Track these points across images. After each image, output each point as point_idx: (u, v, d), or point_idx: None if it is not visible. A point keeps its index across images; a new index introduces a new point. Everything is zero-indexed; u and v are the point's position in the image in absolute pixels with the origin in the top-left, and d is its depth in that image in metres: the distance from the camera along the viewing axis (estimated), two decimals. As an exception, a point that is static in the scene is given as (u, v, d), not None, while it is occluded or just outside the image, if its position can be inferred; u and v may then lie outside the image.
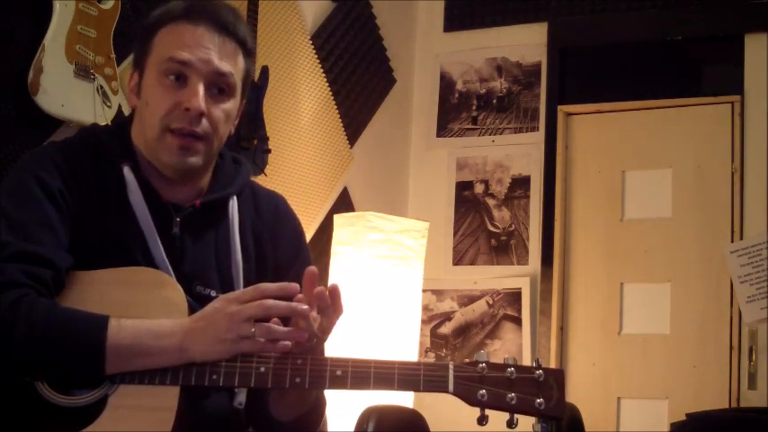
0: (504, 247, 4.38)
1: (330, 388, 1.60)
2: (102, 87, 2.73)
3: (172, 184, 1.76)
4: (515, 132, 4.44)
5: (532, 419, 1.61)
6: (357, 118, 4.24)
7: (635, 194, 4.21)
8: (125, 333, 1.54)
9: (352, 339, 3.31)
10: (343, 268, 3.51)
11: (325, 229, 3.84)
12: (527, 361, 4.00)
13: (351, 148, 4.17)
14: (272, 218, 1.88)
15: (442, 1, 4.65)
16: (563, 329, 4.20)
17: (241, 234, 1.80)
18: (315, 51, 3.94)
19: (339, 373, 1.57)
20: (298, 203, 3.74)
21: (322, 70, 3.98)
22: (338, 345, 3.44)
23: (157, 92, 1.71)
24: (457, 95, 4.60)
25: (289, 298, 1.58)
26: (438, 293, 4.41)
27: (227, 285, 1.75)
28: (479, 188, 4.48)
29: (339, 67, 4.11)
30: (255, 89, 3.35)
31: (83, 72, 2.68)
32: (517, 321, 4.26)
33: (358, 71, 4.23)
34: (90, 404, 1.55)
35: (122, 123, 1.84)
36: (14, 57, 2.60)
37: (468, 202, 4.49)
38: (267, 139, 3.40)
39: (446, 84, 4.63)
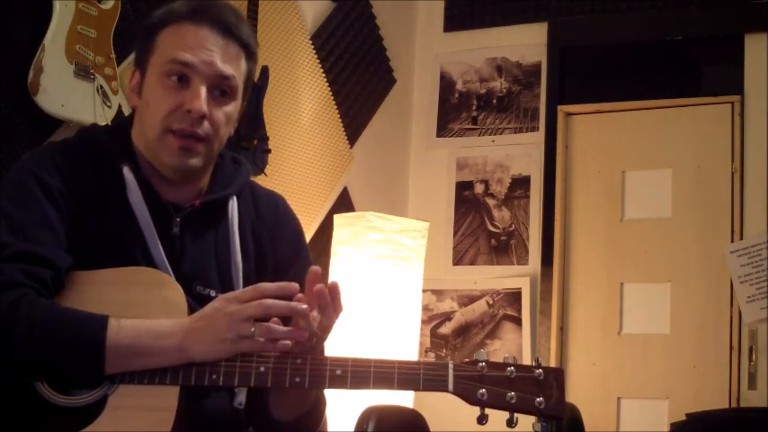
0: (504, 247, 4.38)
1: (330, 387, 1.59)
2: (102, 87, 2.73)
3: (171, 185, 1.75)
4: (515, 132, 4.44)
5: (532, 419, 1.61)
6: (357, 118, 4.24)
7: (635, 194, 4.20)
8: (125, 333, 1.54)
9: (353, 339, 3.32)
10: (343, 268, 3.51)
11: (325, 229, 3.84)
12: (527, 361, 4.00)
13: (351, 148, 4.17)
14: (271, 218, 1.88)
15: (442, 1, 4.65)
16: (563, 329, 4.20)
17: (241, 234, 1.80)
18: (315, 51, 3.94)
19: (339, 372, 1.57)
20: (298, 203, 3.74)
21: (322, 70, 3.98)
22: (338, 344, 3.45)
23: (159, 92, 1.71)
24: (457, 95, 4.60)
25: (288, 298, 1.58)
26: (438, 293, 4.41)
27: (226, 285, 1.75)
28: (479, 188, 4.48)
29: (339, 67, 4.11)
30: (255, 89, 3.35)
31: (83, 72, 2.68)
32: (517, 321, 4.26)
33: (358, 71, 4.24)
34: (90, 404, 1.55)
35: (122, 123, 1.84)
36: (14, 57, 2.60)
37: (468, 202, 4.49)
38: (267, 139, 3.40)
39: (446, 84, 4.63)
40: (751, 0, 4.06)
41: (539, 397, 1.57)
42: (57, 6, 2.62)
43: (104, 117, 2.71)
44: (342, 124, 4.11)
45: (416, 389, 1.59)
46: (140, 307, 1.59)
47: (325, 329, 1.61)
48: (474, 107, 4.56)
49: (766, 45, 4.01)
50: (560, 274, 4.22)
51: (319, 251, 3.76)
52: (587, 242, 4.23)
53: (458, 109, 4.59)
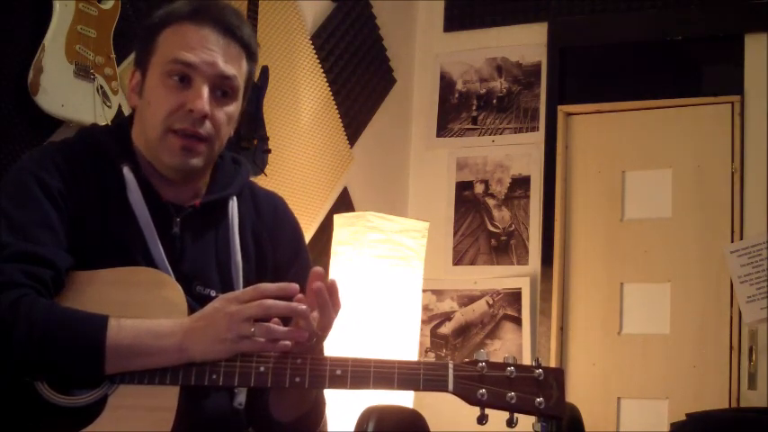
0: (504, 247, 4.38)
1: (330, 387, 1.59)
2: (102, 87, 2.73)
3: (171, 185, 1.75)
4: (515, 132, 4.44)
5: (532, 419, 1.61)
6: (357, 118, 4.24)
7: (635, 194, 4.21)
8: (125, 333, 1.54)
9: (353, 339, 3.32)
10: (343, 268, 3.51)
11: (325, 229, 3.84)
12: (527, 361, 4.00)
13: (351, 148, 4.18)
14: (271, 218, 1.88)
15: (442, 1, 4.65)
16: (563, 329, 4.20)
17: (241, 234, 1.80)
18: (315, 51, 3.94)
19: (339, 372, 1.57)
20: (298, 203, 3.74)
21: (322, 70, 3.98)
22: (338, 344, 3.45)
23: (161, 92, 1.71)
24: (457, 95, 4.60)
25: (288, 298, 1.58)
26: (438, 293, 4.41)
27: (227, 285, 1.75)
28: (479, 188, 4.48)
29: (339, 67, 4.11)
30: (255, 89, 3.35)
31: (83, 72, 2.68)
32: (517, 321, 4.26)
33: (358, 71, 4.24)
34: (90, 404, 1.55)
35: (122, 123, 1.84)
36: (14, 57, 2.60)
37: (468, 202, 4.49)
38: (267, 139, 3.40)
39: (446, 84, 4.63)
40: (751, 0, 4.06)
41: (539, 397, 1.57)
42: (57, 6, 2.62)
43: (104, 117, 2.71)
44: (342, 124, 4.11)
45: (416, 389, 1.58)
46: (140, 307, 1.59)
47: (325, 328, 1.61)
48: (474, 107, 4.56)
49: (766, 45, 4.01)
50: (560, 274, 4.22)
51: (319, 251, 3.76)
52: (587, 242, 4.23)
53: (458, 109, 4.59)
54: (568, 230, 4.27)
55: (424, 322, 4.07)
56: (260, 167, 3.35)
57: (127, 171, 1.72)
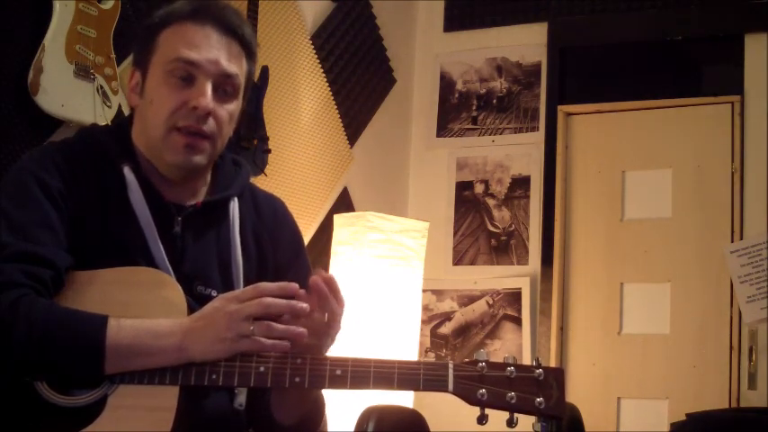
0: (504, 247, 4.38)
1: (330, 387, 1.59)
2: (102, 87, 2.73)
3: (172, 184, 1.76)
4: (515, 132, 4.44)
5: (532, 419, 1.61)
6: (357, 118, 4.24)
7: (635, 194, 4.20)
8: (124, 333, 1.54)
9: (353, 339, 3.31)
10: (343, 268, 3.51)
11: (325, 229, 3.83)
12: (527, 361, 4.00)
13: (351, 148, 4.17)
14: (271, 219, 1.88)
15: (442, 1, 4.65)
16: (563, 329, 4.20)
17: (242, 234, 1.81)
18: (315, 51, 3.94)
19: (339, 372, 1.57)
20: (298, 203, 3.74)
21: (322, 70, 3.98)
22: (338, 344, 3.44)
23: (163, 91, 1.71)
24: (457, 95, 4.60)
25: (288, 297, 1.58)
26: (438, 293, 4.41)
27: (228, 285, 1.75)
28: (479, 188, 4.48)
29: (339, 67, 4.11)
30: (255, 89, 3.35)
31: (83, 72, 2.68)
32: (517, 321, 4.26)
33: (358, 71, 4.24)
34: (90, 404, 1.55)
35: (122, 123, 1.84)
36: (14, 57, 2.60)
37: (468, 202, 4.49)
38: (267, 139, 3.40)
39: (446, 84, 4.63)
40: (751, 0, 4.06)
41: (539, 397, 1.57)
42: (57, 6, 2.62)
43: (104, 117, 2.71)
44: (342, 124, 4.11)
45: (416, 389, 1.58)
46: (140, 307, 1.59)
47: (332, 326, 1.62)
48: (474, 107, 4.56)
49: (766, 45, 4.01)
50: (560, 274, 4.22)
51: (319, 251, 3.76)
52: (587, 242, 4.23)
53: (458, 109, 4.59)
54: (568, 230, 4.27)
55: (424, 322, 4.07)
56: (260, 167, 3.35)
57: (128, 171, 1.72)
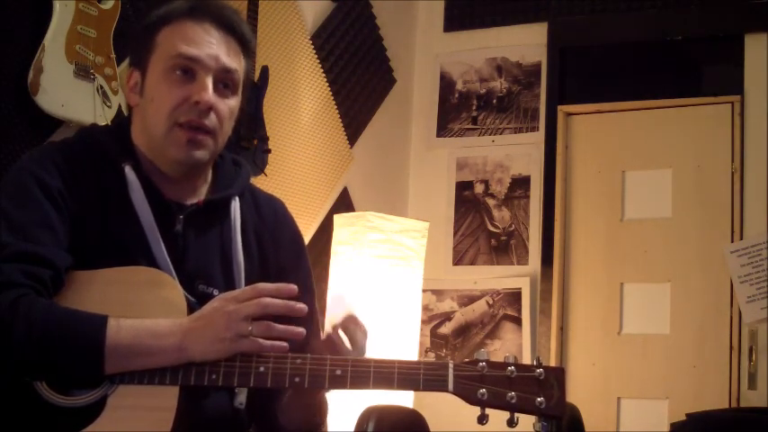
0: (504, 247, 4.38)
1: (330, 388, 1.60)
2: (102, 87, 2.73)
3: (173, 183, 1.76)
4: (515, 132, 4.44)
5: (533, 418, 1.61)
6: (357, 118, 4.24)
7: (635, 194, 4.20)
8: (124, 333, 1.54)
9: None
10: (343, 268, 3.50)
11: (325, 229, 3.83)
12: (527, 361, 3.99)
13: (351, 148, 4.17)
14: (272, 220, 1.89)
15: (442, 1, 4.65)
16: (563, 329, 4.20)
17: (243, 234, 1.81)
18: (315, 51, 3.94)
19: (339, 372, 1.57)
20: (298, 203, 3.74)
21: (322, 70, 3.98)
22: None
23: (164, 88, 1.72)
24: (457, 95, 4.60)
25: (287, 298, 1.58)
26: (438, 293, 4.41)
27: (230, 284, 1.75)
28: (479, 188, 4.48)
29: (339, 67, 4.10)
30: (255, 89, 3.35)
31: (83, 72, 2.68)
32: (517, 321, 4.26)
33: (358, 71, 4.23)
34: (89, 404, 1.55)
35: (122, 123, 1.84)
36: (14, 57, 2.60)
37: (468, 202, 4.49)
38: (267, 139, 3.39)
39: (446, 84, 4.62)
40: (751, 0, 4.05)
41: (539, 397, 1.57)
42: (57, 6, 2.62)
43: (104, 117, 2.71)
44: (342, 124, 4.11)
45: (416, 389, 1.58)
46: (140, 307, 1.59)
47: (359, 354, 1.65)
48: (474, 107, 4.56)
49: (766, 45, 4.01)
50: (560, 274, 4.22)
51: (319, 251, 3.75)
52: (587, 242, 4.23)
53: (458, 109, 4.59)
54: (568, 230, 4.27)
55: (424, 322, 4.07)
56: (260, 167, 3.35)
57: (128, 170, 1.72)
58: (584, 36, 4.37)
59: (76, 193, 1.68)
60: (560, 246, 4.24)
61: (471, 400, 1.57)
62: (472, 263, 4.42)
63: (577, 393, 3.94)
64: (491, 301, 4.32)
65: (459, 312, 4.37)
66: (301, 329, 1.58)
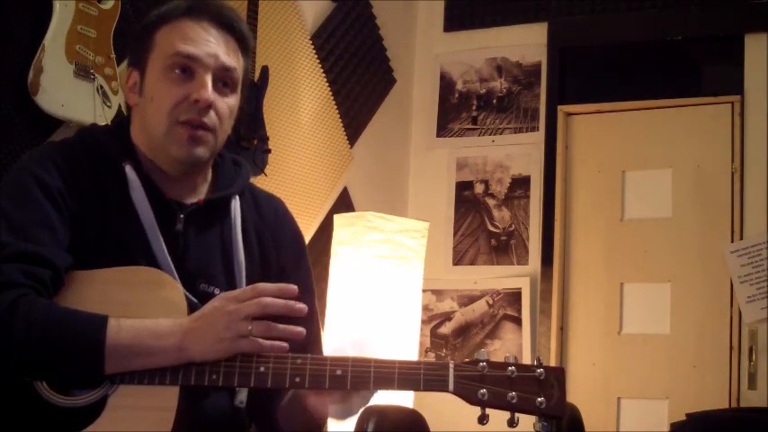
0: (504, 247, 4.38)
1: (330, 388, 1.59)
2: (102, 87, 2.73)
3: (173, 182, 1.76)
4: (515, 132, 4.44)
5: (533, 418, 1.61)
6: (357, 118, 4.24)
7: (635, 194, 4.20)
8: (124, 333, 1.54)
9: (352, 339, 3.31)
10: (343, 268, 3.50)
11: (326, 229, 3.83)
12: (527, 361, 3.99)
13: (351, 148, 4.17)
14: (273, 219, 1.89)
15: (442, 1, 4.65)
16: (563, 329, 4.20)
17: (244, 233, 1.81)
18: (315, 51, 3.94)
19: (339, 372, 1.57)
20: (298, 203, 3.74)
21: (322, 70, 3.98)
22: (338, 344, 3.42)
23: (163, 86, 1.72)
24: (457, 95, 4.60)
25: (287, 298, 1.58)
26: (438, 293, 4.41)
27: (231, 284, 1.75)
28: (479, 188, 4.48)
29: (339, 67, 4.10)
30: (255, 89, 3.35)
31: (83, 72, 2.68)
32: (517, 321, 4.26)
33: (358, 71, 4.23)
34: (89, 404, 1.55)
35: (121, 123, 1.84)
36: (14, 57, 2.60)
37: (468, 202, 4.49)
38: (267, 139, 3.39)
39: (446, 84, 4.62)
40: (751, 0, 4.05)
41: (540, 397, 1.57)
42: (57, 6, 2.62)
43: (104, 117, 2.71)
44: (342, 124, 4.11)
45: (417, 389, 1.58)
46: (140, 307, 1.59)
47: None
48: (474, 107, 4.56)
49: (766, 45, 4.01)
50: (560, 274, 4.22)
51: (319, 251, 3.75)
52: (587, 242, 4.23)
53: (458, 109, 4.59)
54: (568, 230, 4.27)
55: (424, 322, 4.07)
56: (260, 167, 3.35)
57: (129, 169, 1.72)
58: (584, 36, 4.37)
59: (76, 193, 1.68)
60: (560, 246, 4.24)
61: (472, 400, 1.57)
62: (472, 263, 4.42)
63: (577, 393, 3.94)
64: (491, 301, 4.32)
65: (459, 312, 4.37)
66: (301, 329, 1.58)
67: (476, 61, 4.57)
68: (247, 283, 1.74)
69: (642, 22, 4.22)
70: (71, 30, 2.65)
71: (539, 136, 4.38)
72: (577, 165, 4.31)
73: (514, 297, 4.28)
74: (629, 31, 4.25)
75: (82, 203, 1.67)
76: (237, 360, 1.56)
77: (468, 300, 4.37)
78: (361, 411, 1.67)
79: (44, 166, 1.68)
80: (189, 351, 1.55)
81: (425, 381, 1.57)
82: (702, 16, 4.12)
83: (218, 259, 1.76)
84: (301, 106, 3.85)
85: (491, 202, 4.44)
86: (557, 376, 1.58)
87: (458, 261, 4.44)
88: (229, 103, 1.76)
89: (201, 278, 1.73)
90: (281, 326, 1.57)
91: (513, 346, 4.23)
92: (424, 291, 3.73)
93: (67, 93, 2.64)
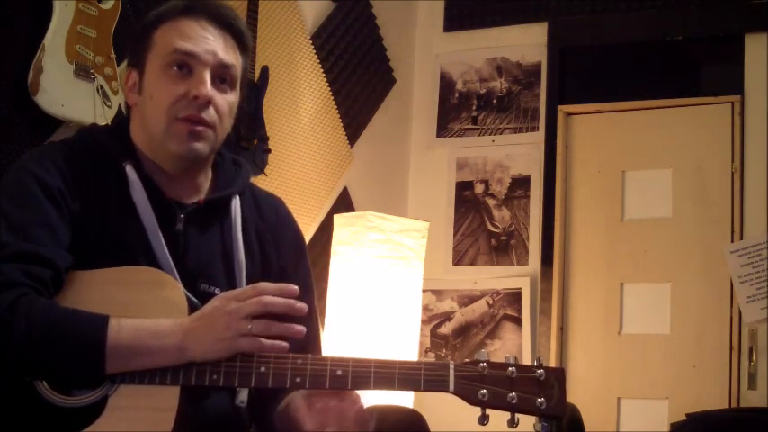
0: (504, 247, 4.37)
1: (330, 388, 1.59)
2: (102, 87, 2.73)
3: (173, 182, 1.76)
4: (515, 132, 4.44)
5: (533, 418, 1.61)
6: (357, 118, 4.24)
7: (635, 194, 4.20)
8: (125, 333, 1.54)
9: (353, 339, 3.31)
10: (343, 268, 3.50)
11: (325, 229, 3.83)
12: (527, 361, 3.99)
13: (351, 148, 4.17)
14: (273, 219, 1.89)
15: (442, 1, 4.65)
16: (563, 329, 4.20)
17: (244, 233, 1.81)
18: (315, 51, 3.94)
19: (339, 372, 1.57)
20: (298, 203, 3.74)
21: (322, 70, 3.98)
22: (339, 344, 3.45)
23: (162, 84, 1.73)
24: (457, 95, 4.60)
25: (287, 298, 1.58)
26: (438, 293, 4.40)
27: (231, 283, 1.75)
28: (479, 188, 4.48)
29: (339, 67, 4.10)
30: (255, 89, 3.35)
31: (83, 72, 2.68)
32: (517, 321, 4.25)
33: (358, 71, 4.23)
34: (90, 404, 1.55)
35: (121, 123, 1.85)
36: (14, 57, 2.60)
37: (468, 202, 4.49)
38: (267, 139, 3.39)
39: (446, 84, 4.62)
40: (751, 0, 4.05)
41: (540, 397, 1.57)
42: (57, 6, 2.62)
43: (104, 117, 2.71)
44: (342, 124, 4.11)
45: (417, 389, 1.58)
46: (140, 307, 1.59)
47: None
48: (474, 107, 4.55)
49: (766, 45, 4.01)
50: (560, 274, 4.22)
51: (319, 251, 3.75)
52: (587, 242, 4.23)
53: (458, 109, 4.59)
54: (568, 230, 4.27)
55: (424, 322, 4.07)
56: (260, 167, 3.35)
57: (129, 169, 1.72)
58: (584, 36, 4.36)
59: (77, 193, 1.68)
60: (560, 246, 4.24)
61: (472, 400, 1.57)
62: (472, 263, 4.42)
63: (577, 393, 3.94)
64: (491, 301, 4.32)
65: (459, 312, 4.37)
66: (301, 327, 1.58)
67: (476, 61, 4.57)
68: (248, 283, 1.74)
69: (642, 22, 4.22)
70: (71, 30, 2.65)
71: (539, 136, 4.38)
72: (577, 165, 4.31)
73: (514, 297, 4.28)
74: (629, 31, 4.25)
75: (82, 203, 1.68)
76: (238, 360, 1.56)
77: (468, 300, 4.37)
78: None
79: (44, 165, 1.68)
80: (189, 351, 1.55)
81: (426, 381, 1.57)
82: (702, 16, 4.12)
83: (218, 259, 1.77)
84: (301, 106, 3.85)
85: (491, 202, 4.44)
86: (557, 376, 1.59)
87: (458, 261, 4.44)
88: (228, 100, 1.76)
89: (202, 278, 1.73)
90: (281, 324, 1.57)
91: (513, 346, 4.23)
92: (424, 291, 3.72)
93: (67, 93, 2.64)
